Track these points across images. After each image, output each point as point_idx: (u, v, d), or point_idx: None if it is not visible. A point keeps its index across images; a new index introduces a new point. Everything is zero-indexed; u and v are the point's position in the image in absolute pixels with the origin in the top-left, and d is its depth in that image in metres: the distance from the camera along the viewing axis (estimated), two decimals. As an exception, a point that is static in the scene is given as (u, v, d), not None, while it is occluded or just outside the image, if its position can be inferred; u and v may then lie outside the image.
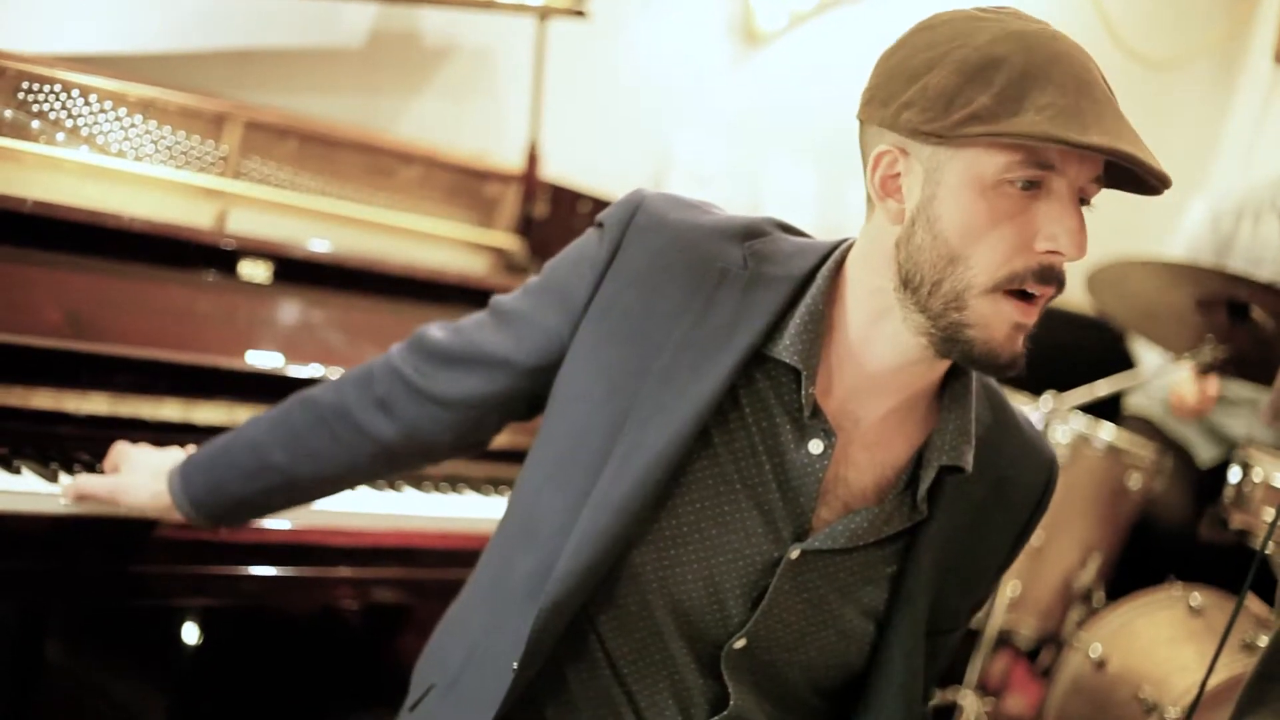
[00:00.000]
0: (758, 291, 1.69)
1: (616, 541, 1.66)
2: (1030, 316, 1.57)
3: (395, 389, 1.91)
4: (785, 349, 1.65)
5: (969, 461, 1.70)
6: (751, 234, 1.74)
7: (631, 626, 1.71)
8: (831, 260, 1.69)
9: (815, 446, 1.67)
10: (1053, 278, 1.56)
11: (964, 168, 1.53)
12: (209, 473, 2.00)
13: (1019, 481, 1.82)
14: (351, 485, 2.04)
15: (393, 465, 2.00)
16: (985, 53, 1.51)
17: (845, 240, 1.73)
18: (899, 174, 1.59)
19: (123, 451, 2.13)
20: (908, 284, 1.59)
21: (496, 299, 1.90)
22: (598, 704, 1.75)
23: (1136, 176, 1.55)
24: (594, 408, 1.72)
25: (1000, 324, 1.56)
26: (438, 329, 1.91)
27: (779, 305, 1.67)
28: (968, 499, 1.75)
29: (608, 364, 1.72)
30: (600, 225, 1.79)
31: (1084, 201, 1.57)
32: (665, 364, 1.68)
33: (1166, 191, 1.57)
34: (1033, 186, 1.53)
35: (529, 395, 1.86)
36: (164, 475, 2.04)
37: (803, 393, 1.66)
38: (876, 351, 1.65)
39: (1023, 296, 1.57)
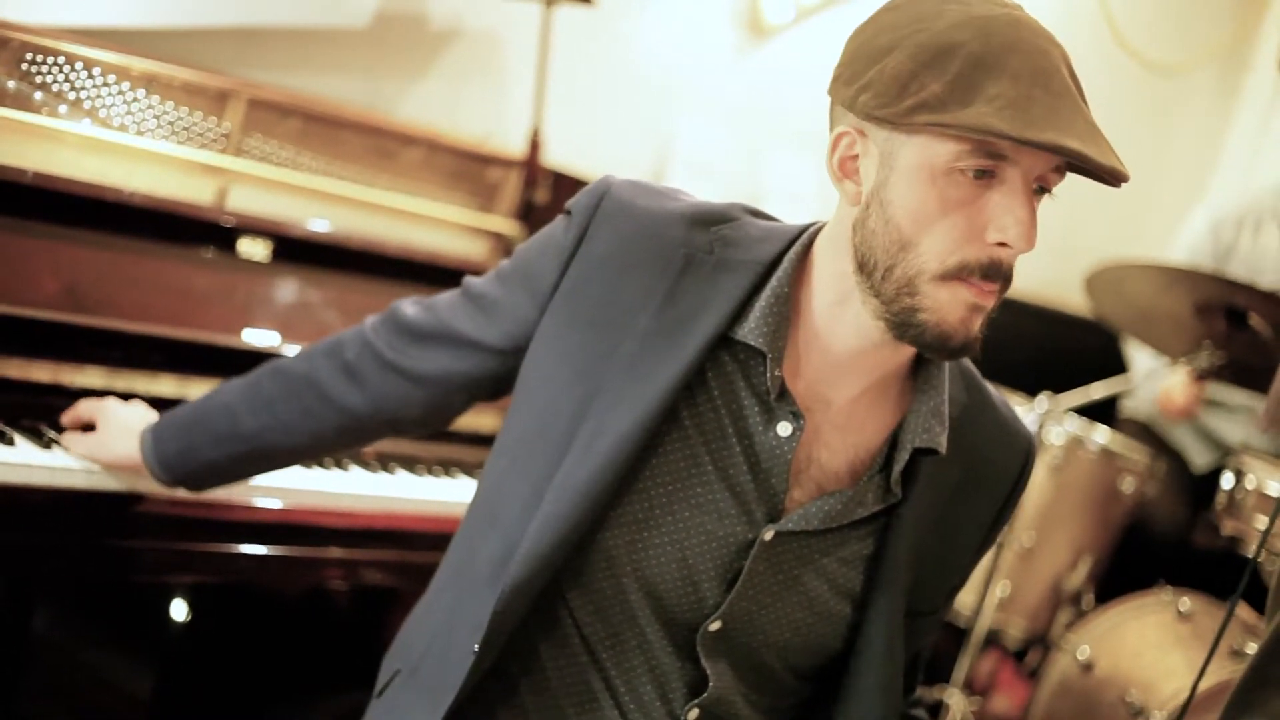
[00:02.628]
0: (723, 276, 1.69)
1: (580, 524, 1.67)
2: (985, 299, 1.57)
3: (365, 361, 1.93)
4: (750, 332, 1.66)
5: (943, 443, 1.71)
6: (718, 219, 1.75)
7: (606, 610, 1.72)
8: (799, 244, 1.70)
9: (783, 429, 1.68)
10: (999, 274, 1.56)
11: (916, 154, 1.54)
12: (180, 436, 2.03)
13: (995, 463, 1.82)
14: (318, 455, 2.08)
15: (358, 436, 2.02)
16: (942, 38, 1.51)
17: (814, 224, 1.73)
18: (857, 155, 1.60)
19: (95, 407, 2.16)
20: (863, 268, 1.60)
21: (468, 280, 1.91)
22: (575, 690, 1.75)
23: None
24: (558, 392, 1.73)
25: (954, 308, 1.56)
26: (411, 305, 1.94)
27: (744, 290, 1.68)
28: (942, 480, 1.76)
29: (573, 349, 1.73)
30: (568, 212, 1.79)
31: (1045, 190, 1.57)
32: (630, 349, 1.69)
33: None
34: (985, 175, 1.53)
35: (495, 377, 1.88)
36: (136, 433, 2.08)
37: (768, 375, 1.66)
38: (841, 334, 1.66)
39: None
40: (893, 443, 1.73)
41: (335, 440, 2.01)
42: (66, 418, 2.18)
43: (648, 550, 1.69)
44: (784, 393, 1.68)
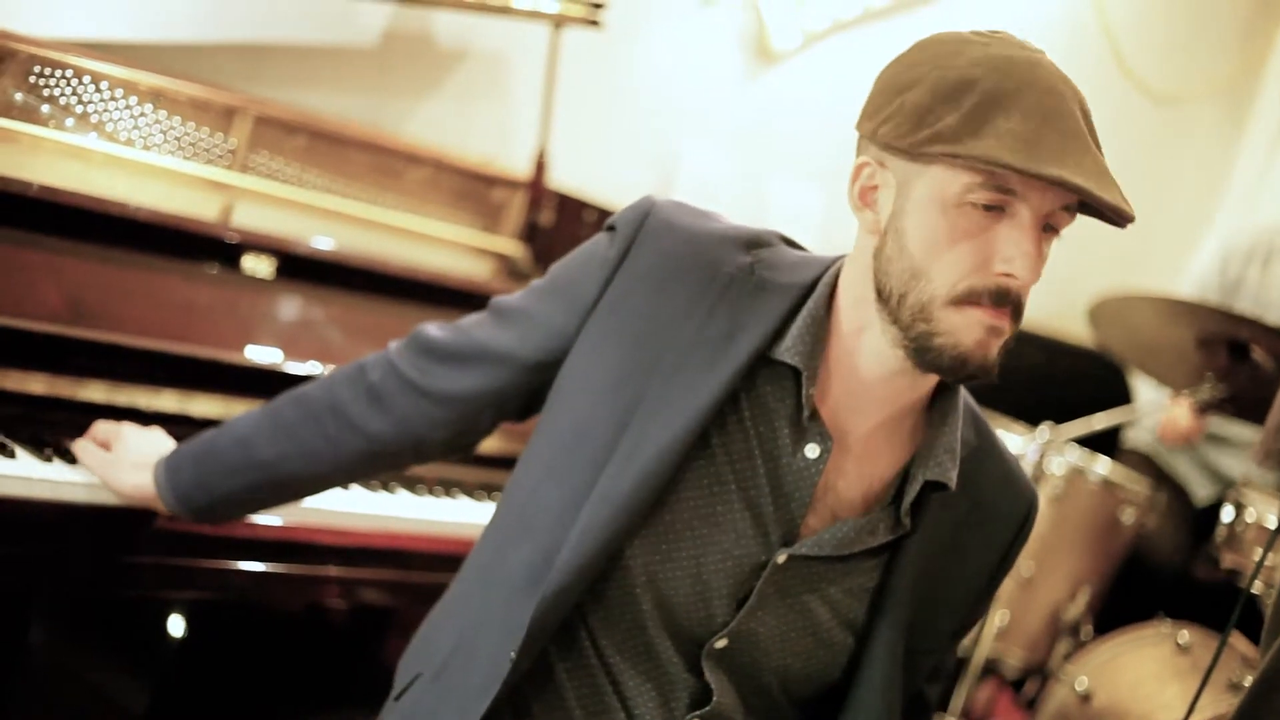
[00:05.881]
0: (763, 297, 1.72)
1: (617, 535, 1.68)
2: (1000, 320, 1.59)
3: (391, 384, 1.92)
4: (787, 350, 1.68)
5: (953, 478, 1.73)
6: (757, 243, 1.78)
7: (617, 618, 1.73)
8: (831, 272, 1.73)
9: (811, 451, 1.70)
10: (1007, 300, 1.59)
11: (929, 184, 1.58)
12: (196, 468, 2.01)
13: (999, 509, 1.84)
14: (339, 484, 2.05)
15: (381, 463, 2.00)
16: (961, 74, 1.55)
17: (844, 256, 1.76)
18: (877, 186, 1.65)
19: (117, 431, 2.14)
20: (881, 294, 1.64)
21: (497, 299, 1.92)
22: (584, 692, 1.76)
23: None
24: (599, 403, 1.74)
25: (969, 331, 1.59)
26: (436, 328, 1.93)
27: (783, 310, 1.71)
28: (949, 517, 1.78)
29: (614, 361, 1.75)
30: (611, 228, 1.82)
31: (1053, 229, 1.61)
32: (671, 363, 1.71)
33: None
34: (995, 209, 1.56)
35: (526, 392, 1.87)
36: (149, 467, 2.05)
37: (803, 393, 1.68)
38: (863, 363, 1.69)
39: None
40: (905, 476, 1.75)
41: (358, 466, 2.00)
42: (84, 438, 2.16)
43: (665, 564, 1.71)
44: (814, 414, 1.70)
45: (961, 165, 1.54)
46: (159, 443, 2.12)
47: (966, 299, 1.57)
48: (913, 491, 1.72)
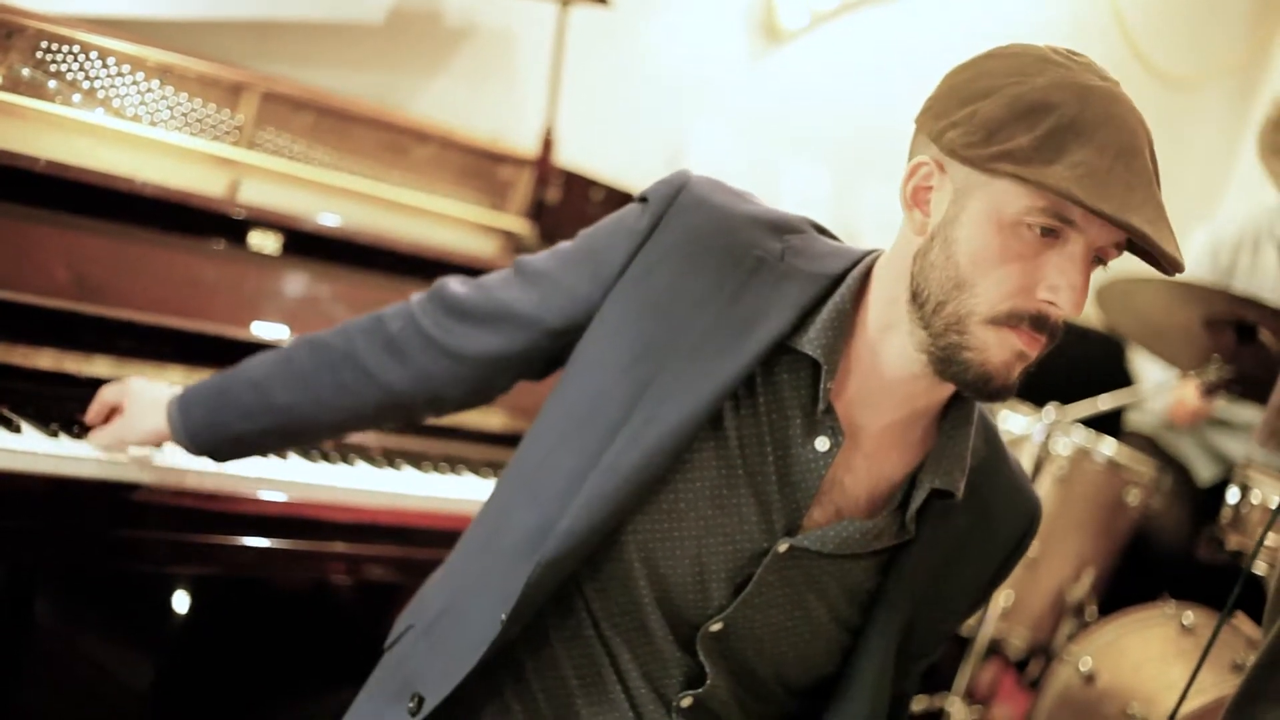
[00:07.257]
0: (790, 284, 1.71)
1: (620, 508, 1.68)
2: (1033, 347, 1.59)
3: (411, 338, 1.92)
4: (809, 342, 1.67)
5: (960, 487, 1.72)
6: (789, 229, 1.77)
7: (613, 593, 1.73)
8: (862, 265, 1.72)
9: (821, 444, 1.69)
10: (1045, 327, 1.58)
11: (989, 198, 1.55)
12: (209, 408, 2.01)
13: (1002, 519, 1.83)
14: (351, 430, 2.06)
15: (396, 414, 2.00)
16: (1040, 95, 1.53)
17: (876, 251, 1.75)
18: (931, 187, 1.62)
19: (123, 388, 2.14)
20: (916, 297, 1.62)
21: (522, 258, 1.90)
22: (579, 662, 1.77)
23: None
24: (616, 375, 1.73)
25: (999, 351, 1.58)
26: (459, 283, 1.92)
27: (809, 300, 1.69)
28: (952, 525, 1.77)
29: (635, 334, 1.74)
30: (644, 200, 1.80)
31: (1101, 261, 1.60)
32: (692, 342, 1.70)
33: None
34: (1050, 234, 1.55)
35: (547, 355, 1.88)
36: (162, 405, 2.06)
37: (821, 386, 1.67)
38: (885, 361, 1.67)
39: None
40: (912, 481, 1.74)
41: (373, 416, 2.00)
42: (92, 411, 2.17)
43: (666, 542, 1.71)
44: (829, 408, 1.69)
45: (1026, 187, 1.52)
46: (167, 388, 2.12)
47: (1006, 320, 1.56)
48: (919, 498, 1.72)
